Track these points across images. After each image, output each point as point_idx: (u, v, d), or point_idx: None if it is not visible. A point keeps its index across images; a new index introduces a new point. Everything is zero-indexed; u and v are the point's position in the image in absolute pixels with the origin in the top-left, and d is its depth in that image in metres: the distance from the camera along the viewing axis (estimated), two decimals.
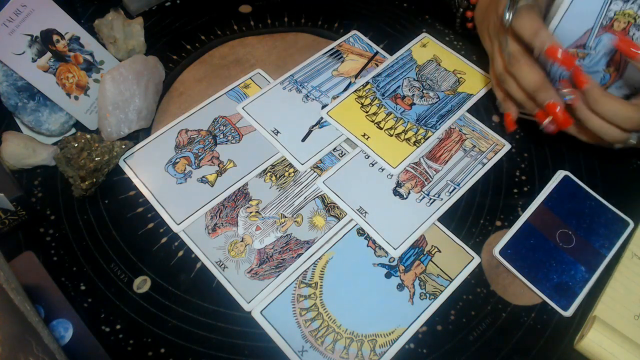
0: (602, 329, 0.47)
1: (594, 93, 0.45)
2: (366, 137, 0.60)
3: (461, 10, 0.58)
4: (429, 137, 0.60)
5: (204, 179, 0.57)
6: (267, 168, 0.58)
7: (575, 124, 0.50)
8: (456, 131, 0.62)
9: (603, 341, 0.47)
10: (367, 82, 0.65)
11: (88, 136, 0.55)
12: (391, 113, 0.62)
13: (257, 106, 0.62)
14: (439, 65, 0.67)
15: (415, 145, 0.60)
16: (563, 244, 0.54)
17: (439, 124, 0.61)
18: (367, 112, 0.62)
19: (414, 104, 0.63)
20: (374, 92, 0.64)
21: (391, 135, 0.60)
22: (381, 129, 0.61)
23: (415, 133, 0.61)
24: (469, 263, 0.53)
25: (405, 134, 0.60)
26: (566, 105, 0.48)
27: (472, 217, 0.57)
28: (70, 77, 0.58)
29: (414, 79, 0.65)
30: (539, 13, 0.46)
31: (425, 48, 0.68)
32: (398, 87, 0.64)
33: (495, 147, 0.61)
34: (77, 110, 0.58)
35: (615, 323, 0.49)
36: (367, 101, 0.63)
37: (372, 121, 0.61)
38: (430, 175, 0.58)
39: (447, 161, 0.59)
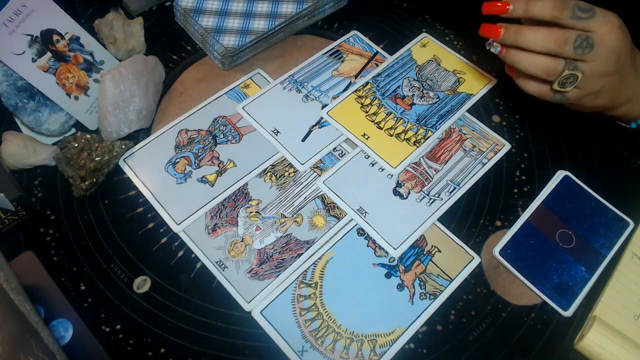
0: (602, 329, 0.47)
1: (510, 30, 0.46)
2: (366, 137, 0.60)
3: None
4: (429, 137, 0.60)
5: (204, 179, 0.57)
6: (267, 168, 0.58)
7: (517, 75, 0.51)
8: (456, 131, 0.62)
9: (603, 341, 0.47)
10: (367, 82, 0.65)
11: (88, 136, 0.55)
12: (391, 113, 0.62)
13: (257, 106, 0.62)
14: (439, 65, 0.67)
15: (415, 145, 0.60)
16: (563, 244, 0.54)
17: (439, 124, 0.61)
18: (367, 112, 0.62)
19: (414, 104, 0.63)
20: (374, 92, 0.64)
21: (391, 135, 0.60)
22: (381, 129, 0.61)
23: (415, 133, 0.61)
24: (469, 263, 0.53)
25: (405, 134, 0.60)
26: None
27: (472, 217, 0.57)
28: (70, 77, 0.58)
29: (414, 79, 0.65)
30: None
31: (425, 48, 0.68)
32: (398, 87, 0.64)
33: (495, 147, 0.61)
34: (77, 110, 0.58)
35: (615, 323, 0.49)
36: (367, 101, 0.63)
37: (372, 121, 0.61)
38: (430, 175, 0.58)
39: (447, 161, 0.59)
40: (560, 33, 0.45)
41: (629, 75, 0.49)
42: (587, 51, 0.45)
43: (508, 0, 0.46)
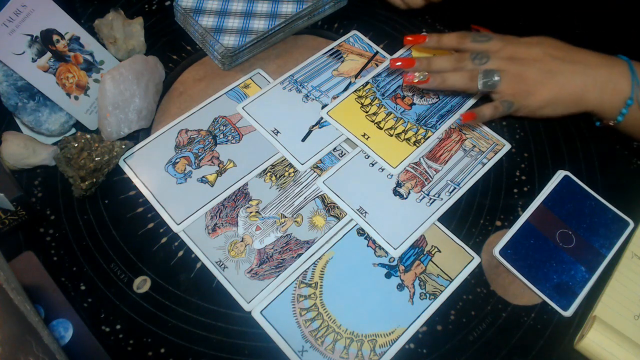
0: (602, 329, 0.47)
1: (423, 60, 0.58)
2: (366, 137, 0.60)
3: None
4: (429, 137, 0.60)
5: (204, 179, 0.57)
6: (267, 168, 0.58)
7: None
8: (456, 131, 0.62)
9: (603, 341, 0.47)
10: (367, 82, 0.65)
11: (88, 136, 0.55)
12: (391, 113, 0.62)
13: (257, 106, 0.62)
14: None
15: (415, 145, 0.60)
16: (563, 244, 0.54)
17: (439, 124, 0.61)
18: (367, 112, 0.62)
19: (414, 104, 0.63)
20: (374, 92, 0.64)
21: (391, 135, 0.60)
22: (381, 129, 0.61)
23: (415, 133, 0.61)
24: (469, 263, 0.53)
25: (405, 134, 0.60)
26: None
27: (472, 217, 0.57)
28: (70, 77, 0.58)
29: None
30: None
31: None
32: (398, 87, 0.64)
33: (495, 147, 0.61)
34: (77, 110, 0.58)
35: (615, 323, 0.49)
36: (367, 101, 0.63)
37: (372, 121, 0.61)
38: (430, 175, 0.58)
39: (447, 161, 0.59)
40: (457, 53, 0.58)
41: (553, 76, 0.54)
42: (484, 61, 0.56)
43: (425, 34, 0.59)
